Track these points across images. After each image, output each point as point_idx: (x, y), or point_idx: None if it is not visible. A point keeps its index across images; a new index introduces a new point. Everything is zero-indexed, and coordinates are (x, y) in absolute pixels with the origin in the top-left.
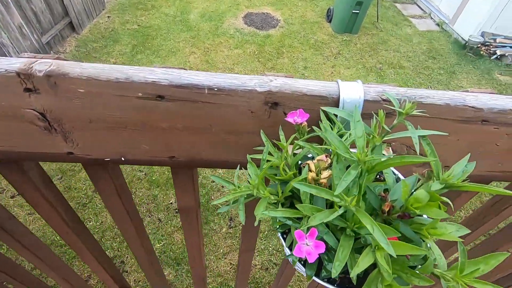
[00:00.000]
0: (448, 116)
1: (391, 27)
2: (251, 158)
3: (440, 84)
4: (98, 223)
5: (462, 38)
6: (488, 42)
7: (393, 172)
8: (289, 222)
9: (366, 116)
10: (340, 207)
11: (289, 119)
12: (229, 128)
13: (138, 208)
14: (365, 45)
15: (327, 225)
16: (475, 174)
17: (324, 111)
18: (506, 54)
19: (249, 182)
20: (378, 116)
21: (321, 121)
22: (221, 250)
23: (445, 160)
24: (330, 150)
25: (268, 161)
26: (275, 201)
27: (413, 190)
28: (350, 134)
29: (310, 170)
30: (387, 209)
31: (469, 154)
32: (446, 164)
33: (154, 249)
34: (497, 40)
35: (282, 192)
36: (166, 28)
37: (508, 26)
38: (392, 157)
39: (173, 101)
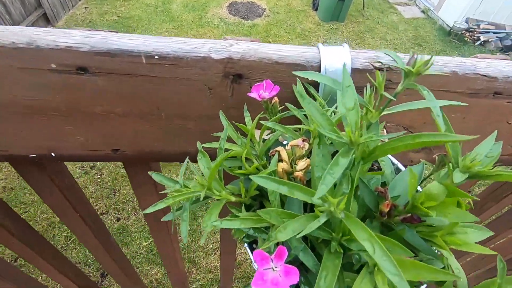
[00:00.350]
0: (455, 88)
1: (377, 15)
2: (207, 148)
3: None
4: None
5: (447, 24)
6: (472, 28)
7: (391, 161)
8: (253, 232)
9: (356, 90)
10: (322, 212)
11: (253, 94)
12: (183, 111)
13: (122, 206)
14: (351, 33)
15: (305, 237)
16: None
17: (304, 84)
18: (490, 40)
19: (197, 179)
20: (375, 82)
21: (298, 92)
22: (211, 246)
23: None
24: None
25: (228, 150)
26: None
27: (419, 184)
28: (334, 112)
29: (281, 160)
30: (387, 210)
31: (496, 132)
32: None
33: (141, 247)
34: (481, 26)
35: (246, 191)
36: (147, 19)
37: (491, 12)
38: (399, 136)
39: (101, 75)
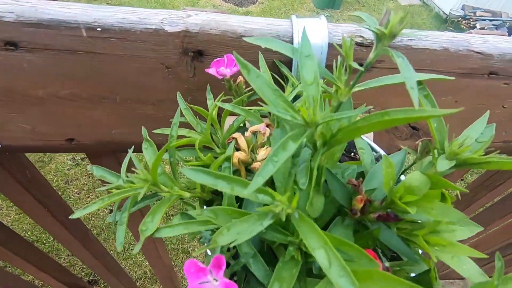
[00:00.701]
0: (445, 68)
1: (373, 2)
2: (161, 134)
3: None
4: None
5: (443, 12)
6: (468, 15)
7: (372, 148)
8: (207, 235)
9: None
10: (266, 213)
11: (211, 70)
12: (139, 94)
13: None
14: (347, 20)
15: (260, 242)
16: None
17: (276, 62)
18: (485, 28)
19: (136, 173)
20: (342, 49)
21: (240, 62)
22: None
23: None
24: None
25: (183, 137)
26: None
27: (400, 174)
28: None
29: (238, 149)
30: (360, 206)
31: (488, 112)
32: None
33: (133, 239)
34: (477, 14)
35: (201, 186)
36: (137, 5)
37: None
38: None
39: (35, 51)
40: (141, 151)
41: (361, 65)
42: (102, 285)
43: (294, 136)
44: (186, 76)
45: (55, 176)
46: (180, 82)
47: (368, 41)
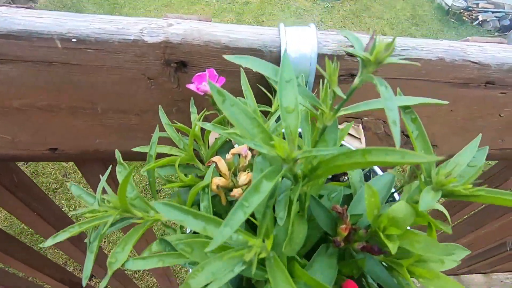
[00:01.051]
0: (441, 78)
1: None
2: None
3: None
4: (70, 209)
5: (445, 3)
6: (471, 7)
7: None
8: (190, 267)
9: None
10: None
11: (192, 86)
12: (121, 105)
13: None
14: (348, 12)
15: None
16: None
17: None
18: (488, 20)
19: (104, 201)
20: (326, 70)
21: (213, 88)
22: None
23: (431, 136)
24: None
25: (165, 156)
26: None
27: (387, 201)
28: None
29: (220, 173)
30: (344, 234)
31: (480, 136)
32: (433, 143)
33: None
34: (480, 5)
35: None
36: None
37: None
38: (349, 149)
39: (8, 62)
40: (130, 160)
41: (353, 75)
42: (98, 280)
43: (269, 175)
44: (170, 87)
45: (53, 169)
46: (164, 93)
47: None
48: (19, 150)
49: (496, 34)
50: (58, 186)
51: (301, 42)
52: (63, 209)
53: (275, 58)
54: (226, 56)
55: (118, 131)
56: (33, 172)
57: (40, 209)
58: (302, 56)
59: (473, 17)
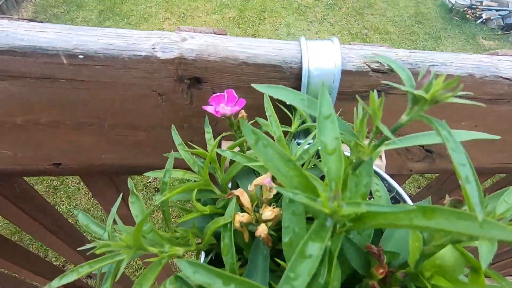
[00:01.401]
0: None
1: None
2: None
3: (426, 50)
4: (71, 206)
5: (449, 1)
6: (475, 5)
7: (381, 177)
8: None
9: (345, 96)
10: None
11: (209, 108)
12: (130, 121)
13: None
14: (350, 9)
15: None
16: (483, 166)
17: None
18: (492, 18)
19: (121, 239)
20: (369, 100)
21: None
22: None
23: None
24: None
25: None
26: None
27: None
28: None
29: (242, 208)
30: (380, 277)
31: None
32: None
33: None
34: (484, 3)
35: (200, 237)
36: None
37: None
38: (404, 206)
39: (10, 79)
40: (137, 174)
41: (378, 91)
42: (95, 280)
43: (315, 235)
44: (181, 103)
45: None
46: (175, 109)
47: (386, 67)
48: (22, 165)
49: (499, 32)
50: (59, 183)
51: (324, 58)
52: (63, 206)
53: (295, 74)
54: (254, 86)
55: (125, 146)
56: None
57: (42, 218)
58: (325, 73)
59: (477, 15)
